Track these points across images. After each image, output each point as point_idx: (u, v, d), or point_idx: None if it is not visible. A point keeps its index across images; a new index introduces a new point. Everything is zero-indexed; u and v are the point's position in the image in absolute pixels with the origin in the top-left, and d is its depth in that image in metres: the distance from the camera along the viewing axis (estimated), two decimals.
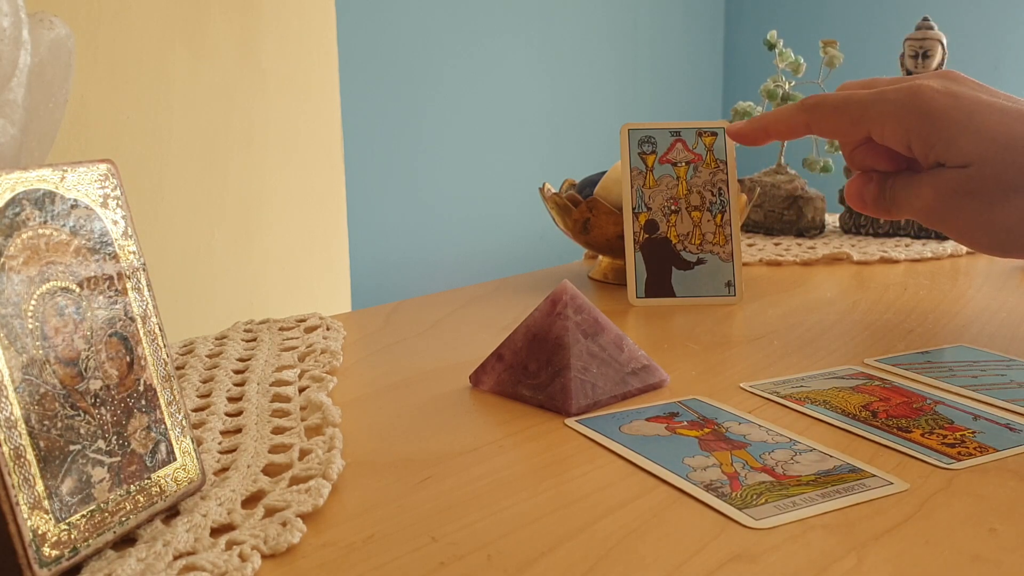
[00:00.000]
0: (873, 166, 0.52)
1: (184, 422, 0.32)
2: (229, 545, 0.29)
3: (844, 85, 0.54)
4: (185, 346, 0.53)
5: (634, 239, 0.63)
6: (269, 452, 0.37)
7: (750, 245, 0.84)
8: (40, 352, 0.27)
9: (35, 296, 0.27)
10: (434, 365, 0.50)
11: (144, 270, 0.32)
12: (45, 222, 0.28)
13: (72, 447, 0.27)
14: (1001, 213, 0.45)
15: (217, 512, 0.31)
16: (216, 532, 0.30)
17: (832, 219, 0.99)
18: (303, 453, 0.37)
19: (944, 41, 0.87)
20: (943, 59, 0.87)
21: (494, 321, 0.59)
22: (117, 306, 0.30)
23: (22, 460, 0.25)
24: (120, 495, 0.29)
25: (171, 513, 0.31)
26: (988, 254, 0.49)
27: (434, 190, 1.68)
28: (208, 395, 0.44)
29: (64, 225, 0.29)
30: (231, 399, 0.44)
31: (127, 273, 0.31)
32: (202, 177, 0.99)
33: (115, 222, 0.31)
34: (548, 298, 0.44)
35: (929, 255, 0.79)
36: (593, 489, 0.34)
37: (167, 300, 0.93)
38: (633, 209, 0.63)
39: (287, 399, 0.43)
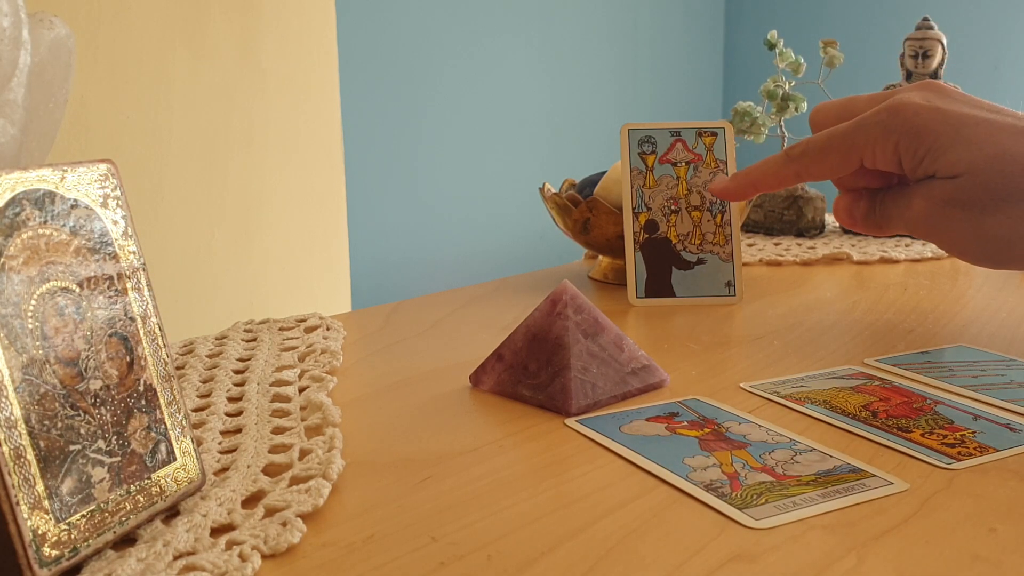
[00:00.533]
0: (864, 185, 0.52)
1: (184, 422, 0.32)
2: (229, 545, 0.29)
3: (818, 108, 0.54)
4: (185, 346, 0.53)
5: (634, 239, 0.63)
6: (269, 452, 0.37)
7: (750, 245, 0.84)
8: (40, 352, 0.27)
9: (35, 296, 0.27)
10: (434, 365, 0.50)
11: (144, 270, 0.32)
12: (45, 222, 0.28)
13: (72, 447, 0.27)
14: (992, 223, 0.45)
15: (217, 512, 0.31)
16: (216, 532, 0.30)
17: (832, 219, 0.99)
18: (303, 453, 0.37)
19: (944, 41, 0.87)
20: (943, 59, 0.87)
21: (494, 321, 0.59)
22: (117, 306, 0.30)
23: (22, 460, 0.25)
24: (120, 495, 0.29)
25: (171, 513, 0.31)
26: (980, 265, 0.49)
27: (434, 190, 1.68)
28: (208, 395, 0.44)
29: (64, 225, 0.29)
30: (231, 399, 0.44)
31: (127, 273, 0.31)
32: (202, 177, 0.99)
33: (115, 222, 0.31)
34: (548, 298, 0.44)
35: (929, 255, 0.79)
36: (593, 489, 0.34)
37: (167, 300, 0.93)
38: (633, 209, 0.63)
39: (287, 399, 0.43)
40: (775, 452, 0.37)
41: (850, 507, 0.32)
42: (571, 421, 0.41)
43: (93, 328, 0.29)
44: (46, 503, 0.26)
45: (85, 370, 0.28)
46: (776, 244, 0.85)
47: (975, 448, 0.37)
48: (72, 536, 0.27)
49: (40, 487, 0.26)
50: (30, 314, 0.27)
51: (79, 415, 0.28)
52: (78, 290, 0.29)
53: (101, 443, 0.28)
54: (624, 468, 0.36)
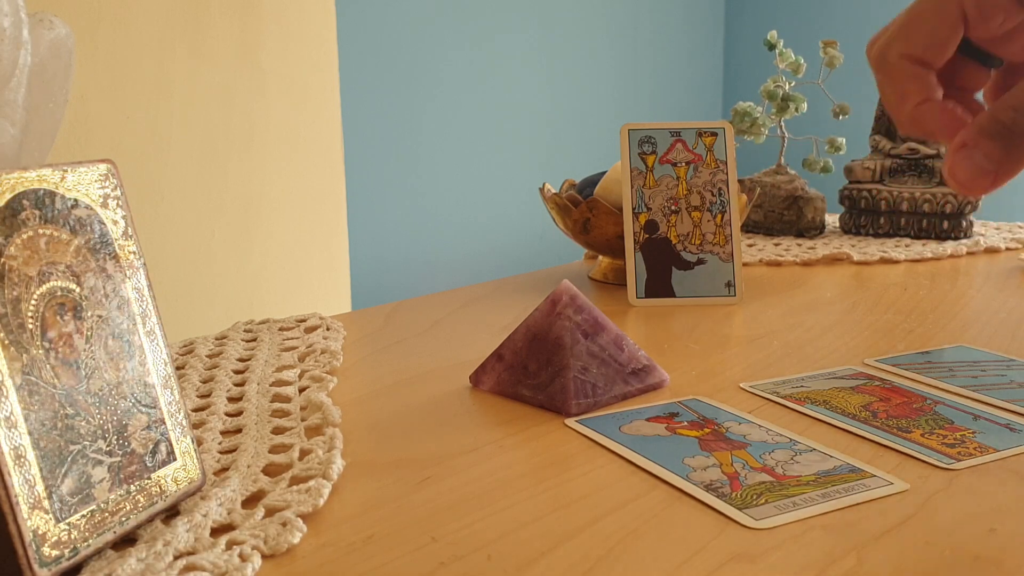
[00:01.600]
0: (963, 83, 0.36)
1: (184, 422, 0.32)
2: (229, 545, 0.29)
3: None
4: (185, 346, 0.53)
5: (634, 239, 0.63)
6: (269, 452, 0.37)
7: (750, 245, 0.84)
8: (40, 352, 0.27)
9: (35, 296, 0.27)
10: (434, 365, 0.50)
11: (144, 270, 0.32)
12: (45, 222, 0.28)
13: (72, 447, 0.27)
14: None
15: (217, 512, 0.31)
16: (216, 532, 0.30)
17: (832, 219, 0.99)
18: (303, 453, 0.37)
19: None
20: None
21: (494, 321, 0.59)
22: (117, 306, 0.30)
23: (22, 460, 0.25)
24: (120, 495, 0.29)
25: (171, 513, 0.31)
26: None
27: (434, 190, 1.68)
28: (208, 395, 0.44)
29: (64, 225, 0.29)
30: (231, 399, 0.44)
31: (127, 273, 0.31)
32: (202, 177, 0.99)
33: (115, 222, 0.31)
34: (548, 298, 0.44)
35: (929, 255, 0.79)
36: (593, 489, 0.34)
37: (167, 300, 0.93)
38: (633, 209, 0.63)
39: (287, 399, 0.43)
40: (775, 452, 0.37)
41: (850, 507, 0.32)
42: (571, 421, 0.41)
43: (93, 328, 0.29)
44: (46, 503, 0.26)
45: (85, 370, 0.28)
46: (776, 244, 0.85)
47: (975, 448, 0.37)
48: (72, 536, 0.27)
49: (40, 487, 0.26)
50: (30, 314, 0.27)
51: (79, 415, 0.28)
52: (78, 290, 0.29)
53: (101, 443, 0.28)
54: (624, 468, 0.36)
